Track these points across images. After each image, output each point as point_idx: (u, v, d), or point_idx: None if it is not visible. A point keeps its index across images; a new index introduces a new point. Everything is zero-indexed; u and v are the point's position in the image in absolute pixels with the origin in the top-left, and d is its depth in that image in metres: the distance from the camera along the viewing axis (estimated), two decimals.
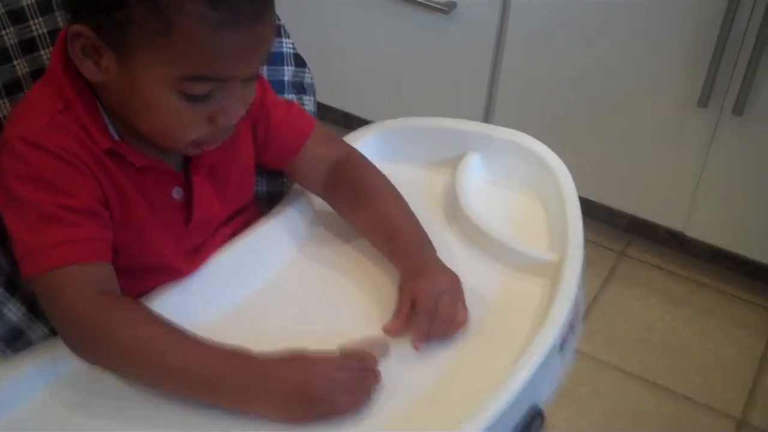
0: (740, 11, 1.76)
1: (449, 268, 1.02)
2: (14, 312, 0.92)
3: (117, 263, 0.93)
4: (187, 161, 1.00)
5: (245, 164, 1.08)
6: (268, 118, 1.08)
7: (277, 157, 1.11)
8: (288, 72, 1.19)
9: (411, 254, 1.04)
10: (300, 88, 1.21)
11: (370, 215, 1.09)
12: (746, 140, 1.91)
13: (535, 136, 1.23)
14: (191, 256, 1.02)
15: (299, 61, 1.21)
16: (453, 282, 1.01)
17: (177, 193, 1.00)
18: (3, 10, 0.96)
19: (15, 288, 0.93)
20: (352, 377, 0.89)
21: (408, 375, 0.93)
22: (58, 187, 0.88)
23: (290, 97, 1.19)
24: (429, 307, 0.96)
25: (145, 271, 0.99)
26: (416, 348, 0.96)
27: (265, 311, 1.01)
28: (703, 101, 1.87)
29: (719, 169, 1.97)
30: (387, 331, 0.98)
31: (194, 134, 0.92)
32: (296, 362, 0.88)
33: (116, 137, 0.93)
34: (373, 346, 0.94)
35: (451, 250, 1.10)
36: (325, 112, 2.34)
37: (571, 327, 0.97)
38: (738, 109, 1.85)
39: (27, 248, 0.88)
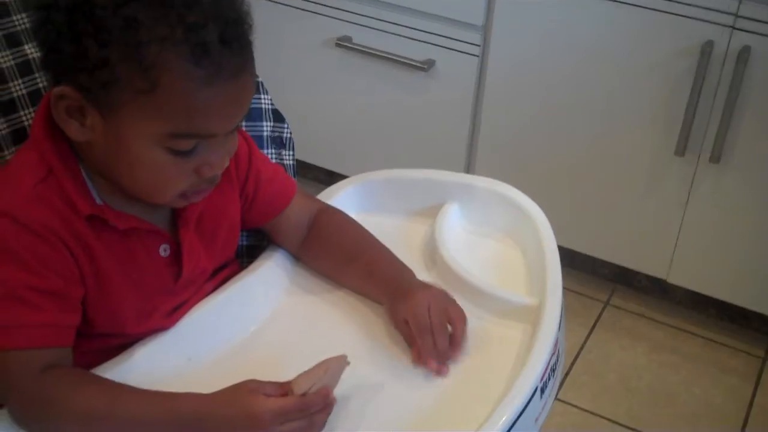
0: (712, 62, 1.80)
1: (431, 284, 1.05)
2: None
3: (89, 330, 0.94)
4: (174, 218, 1.01)
5: (232, 220, 1.09)
6: (258, 177, 1.09)
7: (261, 216, 1.13)
8: (267, 127, 1.21)
9: (390, 281, 1.06)
10: (279, 143, 1.23)
11: (345, 257, 1.11)
12: (724, 187, 1.93)
13: (516, 187, 1.24)
14: (170, 316, 1.02)
15: (278, 117, 1.23)
16: (436, 292, 1.03)
17: (164, 251, 1.00)
18: None
19: None
20: (298, 428, 0.89)
21: (390, 417, 0.94)
22: (29, 266, 0.87)
23: (269, 152, 1.21)
24: (422, 323, 0.98)
25: (117, 338, 0.99)
26: (439, 372, 0.98)
27: (246, 362, 1.01)
28: (680, 150, 1.90)
29: (699, 217, 1.99)
30: (419, 363, 1.00)
31: (180, 187, 0.92)
32: (241, 405, 0.88)
33: (99, 201, 0.93)
34: (325, 372, 0.92)
35: None
36: (307, 169, 2.36)
37: (552, 370, 0.97)
38: (715, 158, 1.87)
39: None
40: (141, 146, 0.88)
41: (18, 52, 1.03)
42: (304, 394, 0.89)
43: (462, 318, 1.02)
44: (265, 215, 1.13)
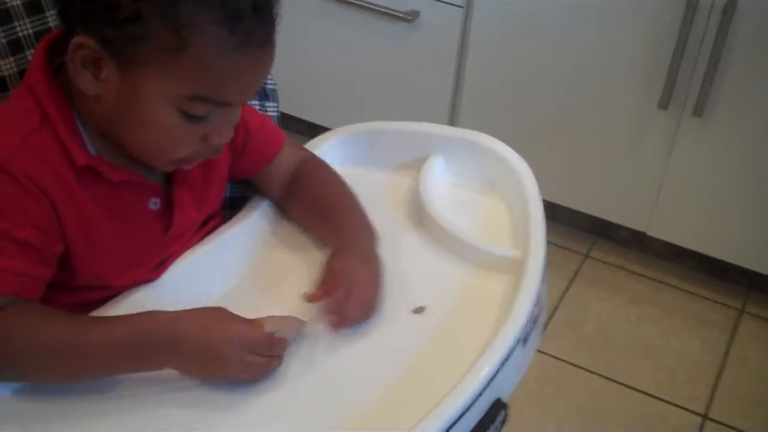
0: (698, 15, 1.80)
1: (379, 256, 1.04)
2: None
3: (71, 283, 0.94)
4: (168, 175, 1.01)
5: (222, 172, 1.09)
6: (246, 128, 1.09)
7: (249, 167, 1.13)
8: None
9: (345, 233, 1.06)
10: (263, 94, 1.23)
11: (318, 213, 1.11)
12: (706, 141, 1.94)
13: (499, 139, 1.25)
14: (157, 269, 1.02)
15: None
16: (376, 267, 1.02)
17: (154, 204, 1.00)
18: None
19: None
20: (258, 363, 0.90)
21: (375, 368, 0.95)
22: (8, 214, 0.87)
23: (253, 103, 1.21)
24: (348, 283, 0.98)
25: (101, 290, 0.99)
26: (332, 328, 0.97)
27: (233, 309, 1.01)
28: (664, 104, 1.91)
29: (681, 170, 2.01)
30: (308, 299, 0.99)
31: (184, 152, 0.93)
32: (212, 324, 0.89)
33: (93, 152, 0.93)
34: (288, 325, 0.94)
35: (416, 249, 1.12)
36: (290, 121, 2.35)
37: (534, 322, 0.99)
38: (698, 111, 1.89)
39: None
40: (156, 105, 0.88)
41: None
42: (272, 334, 0.91)
43: (367, 310, 1.01)
44: (253, 166, 1.13)
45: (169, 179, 1.01)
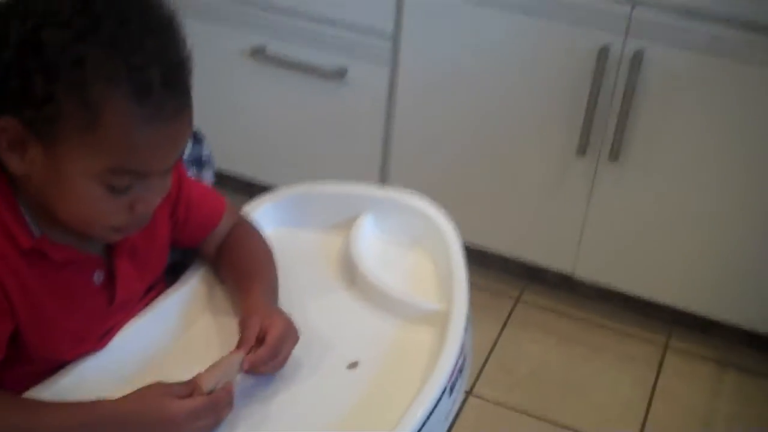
0: (608, 66, 1.90)
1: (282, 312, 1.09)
2: None
3: (24, 355, 0.97)
4: (106, 245, 1.04)
5: (163, 243, 1.13)
6: (188, 202, 1.14)
7: (191, 238, 1.18)
8: (187, 149, 1.25)
9: (260, 295, 1.10)
10: (198, 163, 1.27)
11: (233, 272, 1.16)
12: (623, 185, 2.03)
13: (429, 191, 1.33)
14: (102, 339, 1.06)
15: (196, 137, 1.27)
16: (295, 329, 1.07)
17: (98, 278, 1.03)
18: None
19: None
20: (209, 424, 0.95)
21: (312, 421, 1.00)
22: None
23: (190, 174, 1.25)
24: (276, 344, 1.02)
25: (54, 363, 1.02)
26: (245, 369, 1.01)
27: (173, 373, 1.05)
28: (582, 150, 2.00)
29: (601, 213, 2.10)
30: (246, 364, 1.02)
31: (114, 222, 0.96)
32: (157, 407, 0.93)
33: (36, 233, 0.96)
34: (225, 369, 0.98)
35: (348, 305, 1.18)
36: (226, 180, 2.39)
37: (459, 371, 1.05)
38: (614, 156, 1.98)
39: None
40: (79, 181, 0.90)
41: None
42: (211, 392, 0.95)
43: (285, 358, 1.05)
44: (195, 237, 1.18)
45: (112, 251, 1.04)
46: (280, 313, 1.08)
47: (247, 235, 1.21)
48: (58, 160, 0.90)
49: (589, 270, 2.20)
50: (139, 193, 0.94)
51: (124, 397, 0.94)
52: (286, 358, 1.05)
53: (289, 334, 1.06)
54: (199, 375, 0.97)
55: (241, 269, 1.16)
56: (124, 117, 0.88)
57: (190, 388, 0.95)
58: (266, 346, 1.02)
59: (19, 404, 0.94)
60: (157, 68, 0.89)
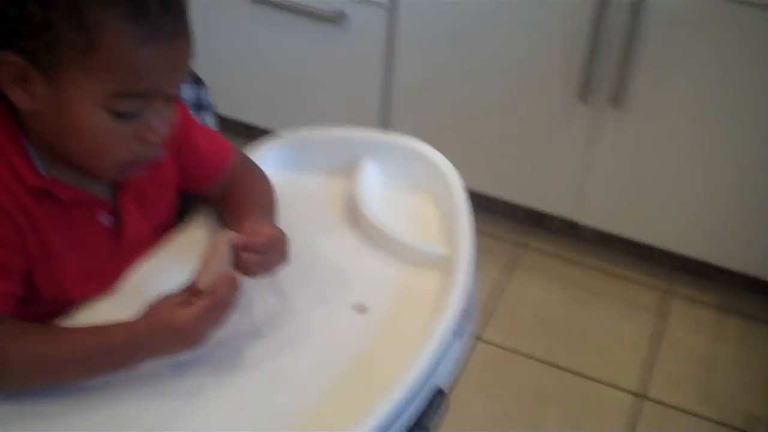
0: (609, 10, 1.87)
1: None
2: None
3: (34, 296, 0.98)
4: (114, 187, 1.04)
5: (168, 185, 1.13)
6: (195, 146, 1.14)
7: (199, 184, 1.18)
8: (186, 91, 1.24)
9: (257, 217, 1.10)
10: (199, 105, 1.26)
11: (233, 207, 1.16)
12: (626, 131, 2.02)
13: (430, 137, 1.31)
14: (112, 280, 1.07)
15: (196, 79, 1.26)
16: (287, 243, 1.07)
17: (105, 219, 1.04)
18: None
19: None
20: (217, 317, 0.96)
21: (318, 362, 1.00)
22: None
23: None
24: (268, 239, 1.03)
25: (62, 303, 1.03)
26: (240, 247, 1.01)
27: None
28: (583, 95, 1.98)
29: (603, 159, 2.09)
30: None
31: (124, 154, 0.95)
32: (164, 323, 0.94)
33: (43, 173, 0.96)
34: (217, 259, 0.98)
35: (351, 249, 1.18)
36: (226, 123, 2.38)
37: (466, 314, 1.05)
38: (616, 102, 1.96)
39: None
40: (85, 109, 0.90)
41: None
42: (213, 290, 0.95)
43: (274, 263, 1.06)
44: (202, 182, 1.18)
45: (118, 193, 1.04)
46: (277, 227, 1.08)
47: (249, 174, 1.21)
48: (62, 90, 0.89)
49: (591, 216, 2.20)
50: (146, 120, 0.94)
51: (135, 321, 0.95)
52: (276, 262, 1.05)
53: (282, 242, 1.06)
54: (198, 276, 0.96)
55: (240, 201, 1.16)
56: (123, 38, 0.87)
57: (190, 292, 0.96)
58: (258, 235, 1.02)
59: (38, 331, 0.95)
60: None
